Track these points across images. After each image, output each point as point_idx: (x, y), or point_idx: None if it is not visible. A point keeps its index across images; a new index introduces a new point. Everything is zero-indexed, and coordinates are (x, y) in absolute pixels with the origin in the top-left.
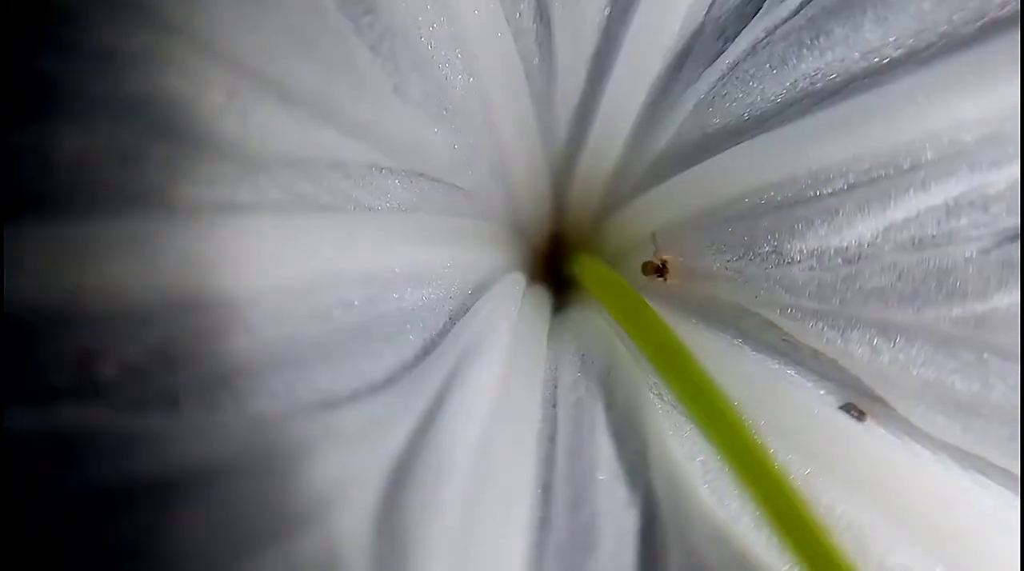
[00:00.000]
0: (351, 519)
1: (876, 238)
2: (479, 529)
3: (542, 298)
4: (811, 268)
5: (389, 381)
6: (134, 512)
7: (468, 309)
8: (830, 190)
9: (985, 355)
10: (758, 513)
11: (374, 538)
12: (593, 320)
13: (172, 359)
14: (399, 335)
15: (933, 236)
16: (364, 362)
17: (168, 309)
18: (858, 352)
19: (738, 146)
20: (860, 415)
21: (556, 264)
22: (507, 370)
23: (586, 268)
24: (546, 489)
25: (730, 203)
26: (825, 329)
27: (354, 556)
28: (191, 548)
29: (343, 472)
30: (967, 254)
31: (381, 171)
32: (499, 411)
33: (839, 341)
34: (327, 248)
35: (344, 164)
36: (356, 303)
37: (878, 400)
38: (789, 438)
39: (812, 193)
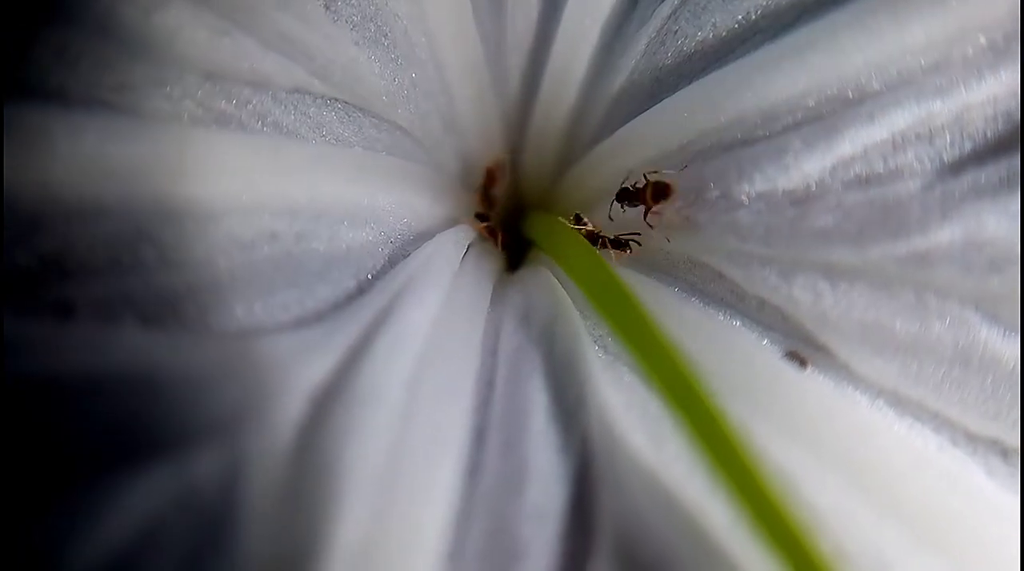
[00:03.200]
0: (260, 444)
1: (823, 177)
2: (405, 468)
3: (493, 254)
4: (759, 212)
5: (318, 316)
6: (25, 408)
7: (408, 255)
8: (779, 128)
9: (925, 295)
10: (698, 459)
11: (288, 467)
12: (543, 275)
13: (67, 268)
14: (331, 273)
15: (879, 173)
16: (289, 296)
17: (61, 216)
18: (802, 297)
19: (690, 86)
20: (802, 363)
21: (516, 225)
22: (445, 314)
23: (540, 224)
24: (480, 434)
25: (682, 148)
26: (770, 274)
27: (261, 482)
28: (79, 451)
29: (254, 398)
30: (911, 189)
31: (314, 99)
32: (433, 353)
33: (784, 286)
34: (246, 172)
35: (268, 83)
36: (281, 235)
37: (820, 348)
38: (731, 387)
39: (761, 132)
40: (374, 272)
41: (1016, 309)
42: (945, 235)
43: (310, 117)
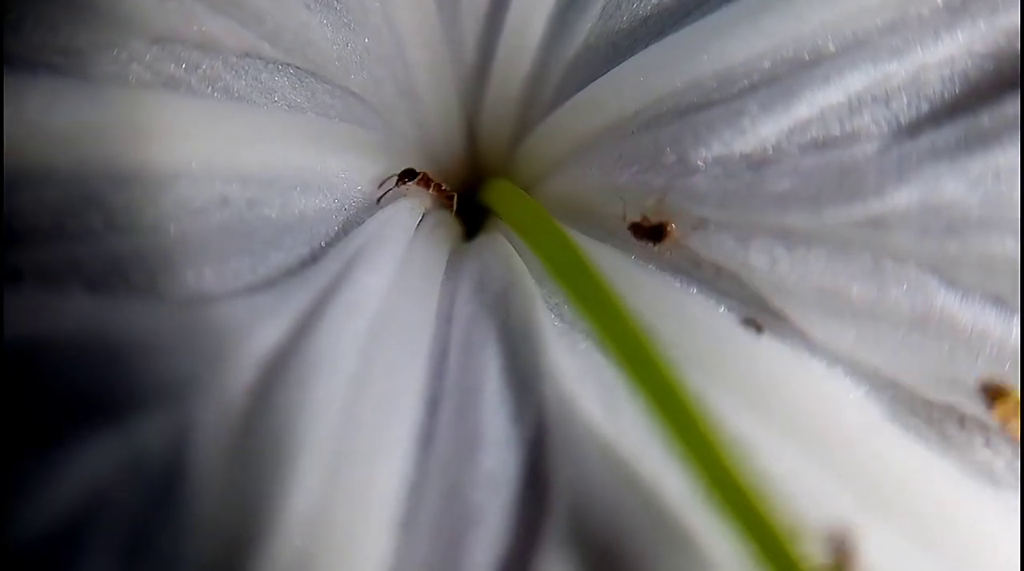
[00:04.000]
0: (210, 411)
1: (780, 140)
2: (358, 435)
3: (449, 222)
4: (715, 176)
5: (270, 283)
6: None
7: (362, 222)
8: (735, 91)
9: (882, 259)
10: (654, 427)
11: (240, 433)
12: (500, 243)
13: (13, 234)
14: (284, 240)
15: (836, 136)
16: (241, 262)
17: (6, 180)
18: (758, 262)
19: (646, 50)
20: (758, 329)
21: (474, 193)
22: (399, 281)
23: (497, 191)
24: (433, 401)
25: (638, 113)
26: (727, 240)
27: (212, 449)
28: (25, 417)
29: (204, 364)
30: (868, 152)
31: (265, 64)
32: (387, 320)
33: (740, 252)
34: (195, 137)
35: (217, 47)
36: (233, 201)
37: (776, 314)
38: (688, 354)
39: (717, 96)
40: (327, 239)
41: (975, 272)
42: (902, 198)
43: (261, 82)
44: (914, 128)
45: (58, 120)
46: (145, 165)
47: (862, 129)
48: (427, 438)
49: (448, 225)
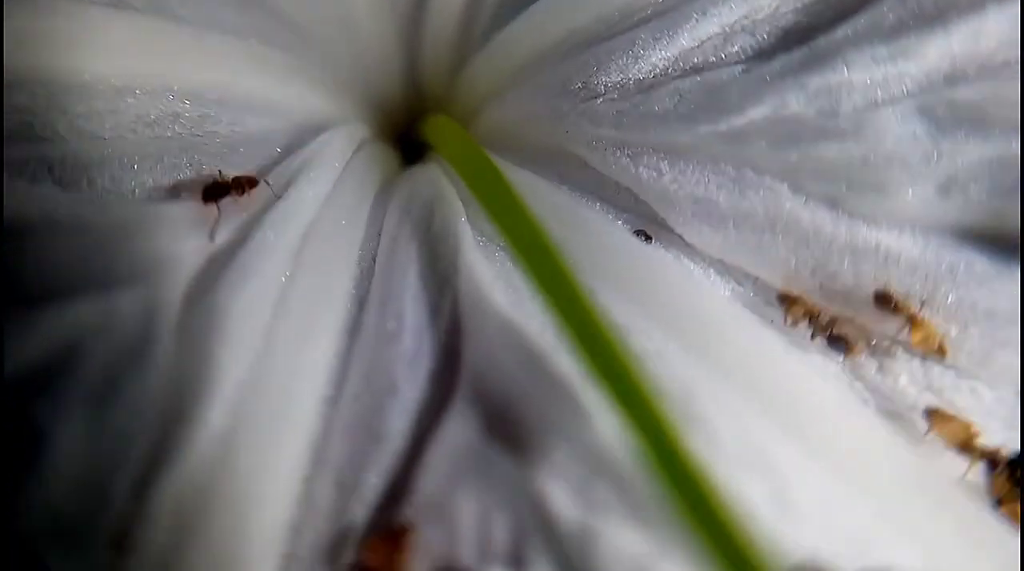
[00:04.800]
0: (166, 292)
1: (666, 67)
2: (289, 324)
3: (388, 154)
4: (612, 100)
5: None
6: None
7: (304, 145)
8: (632, 23)
9: (744, 169)
10: (551, 314)
11: (185, 315)
12: (433, 170)
13: None
14: (232, 156)
15: (711, 61)
16: (190, 174)
17: None
18: (646, 176)
19: None
20: (648, 239)
21: (414, 125)
22: (333, 197)
23: (433, 125)
24: (361, 297)
25: (554, 46)
26: (622, 158)
27: (164, 326)
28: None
29: (162, 251)
30: (734, 75)
31: None
32: (320, 229)
33: (631, 168)
34: (143, 54)
35: None
36: (184, 117)
37: (662, 225)
38: (589, 260)
39: (618, 28)
40: (271, 158)
41: (813, 178)
42: (757, 113)
43: (205, 8)
44: (770, 53)
45: (23, 28)
46: (103, 77)
47: (731, 55)
48: (354, 329)
49: (386, 153)
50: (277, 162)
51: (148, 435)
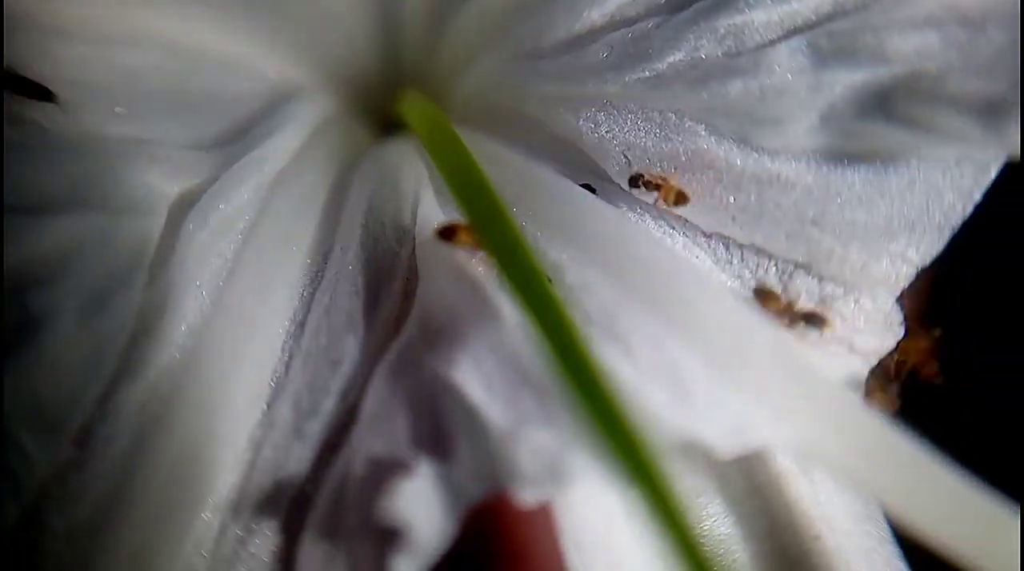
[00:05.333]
0: (152, 223)
1: (603, 22)
2: (254, 264)
3: (362, 126)
4: (556, 57)
5: (196, 144)
6: None
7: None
8: None
9: (667, 114)
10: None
11: (159, 246)
12: (405, 142)
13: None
14: (207, 114)
15: (639, 13)
16: (170, 123)
17: None
18: (584, 127)
19: None
20: (591, 190)
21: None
22: (302, 155)
23: (405, 99)
24: (326, 240)
25: (505, 14)
26: (565, 112)
27: (146, 256)
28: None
29: (150, 183)
30: (657, 23)
31: None
32: (287, 182)
33: (572, 120)
34: (131, 6)
35: None
36: (164, 69)
37: (601, 174)
38: (540, 213)
39: None
40: (244, 119)
41: (723, 117)
42: (675, 57)
43: None
44: (690, 1)
45: None
46: (88, 23)
47: (657, 7)
48: (317, 275)
49: (362, 127)
50: (251, 124)
51: (121, 349)
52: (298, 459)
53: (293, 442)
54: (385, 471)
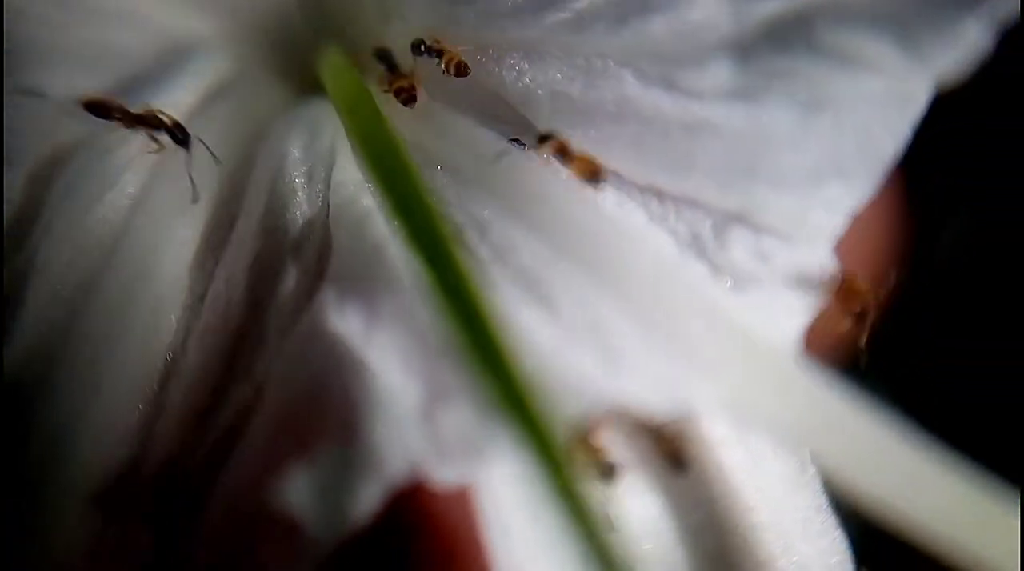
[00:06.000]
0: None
1: None
2: (142, 232)
3: (283, 75)
4: (472, 3)
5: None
6: None
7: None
8: None
9: (592, 59)
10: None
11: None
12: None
13: None
14: (95, 67)
15: None
16: (72, 71)
17: None
18: (509, 78)
19: None
20: (521, 145)
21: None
22: (201, 113)
23: (324, 56)
24: (234, 214)
25: None
26: (489, 62)
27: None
28: None
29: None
30: None
31: None
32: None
33: (496, 72)
34: None
35: None
36: (55, 21)
37: (529, 127)
38: (464, 170)
39: None
40: (132, 73)
41: (647, 58)
42: None
43: None
44: None
45: None
46: None
47: None
48: (217, 248)
49: (281, 78)
50: (137, 81)
51: None
52: (191, 444)
53: (187, 427)
54: (284, 456)
